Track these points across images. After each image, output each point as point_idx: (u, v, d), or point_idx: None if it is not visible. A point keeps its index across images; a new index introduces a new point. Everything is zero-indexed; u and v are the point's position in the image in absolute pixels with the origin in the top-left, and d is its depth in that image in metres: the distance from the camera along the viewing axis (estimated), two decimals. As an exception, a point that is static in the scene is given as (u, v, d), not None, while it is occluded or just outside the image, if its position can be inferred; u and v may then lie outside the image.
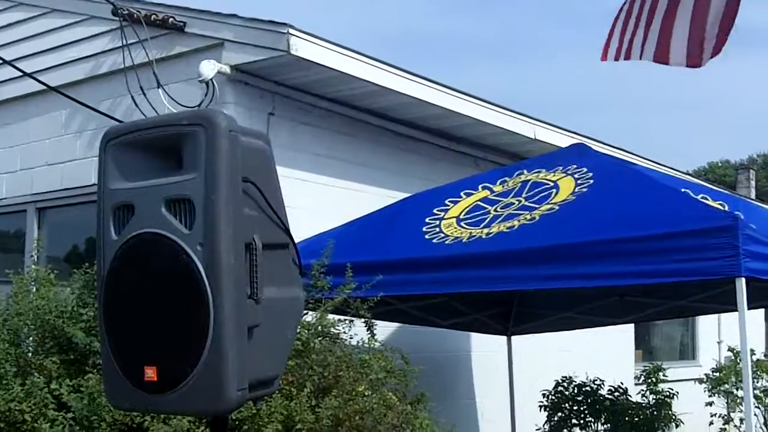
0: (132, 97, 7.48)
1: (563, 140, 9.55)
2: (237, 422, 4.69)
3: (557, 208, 5.90)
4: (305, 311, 5.31)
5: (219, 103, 7.10)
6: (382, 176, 8.70)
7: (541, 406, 9.12)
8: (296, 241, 2.80)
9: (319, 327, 5.32)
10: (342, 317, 5.74)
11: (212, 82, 7.13)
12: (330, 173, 8.19)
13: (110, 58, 8.04)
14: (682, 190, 6.35)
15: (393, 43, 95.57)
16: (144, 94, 7.43)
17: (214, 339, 2.42)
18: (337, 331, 5.45)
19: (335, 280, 5.80)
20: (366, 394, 4.94)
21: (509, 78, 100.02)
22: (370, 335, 5.61)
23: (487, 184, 6.87)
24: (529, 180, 6.54)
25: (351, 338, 5.58)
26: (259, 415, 4.71)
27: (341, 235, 6.70)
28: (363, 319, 5.64)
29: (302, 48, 7.11)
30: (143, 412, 4.45)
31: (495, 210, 6.30)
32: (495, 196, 6.61)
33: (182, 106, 7.07)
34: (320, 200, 7.94)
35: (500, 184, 6.79)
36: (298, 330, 5.11)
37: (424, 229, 6.39)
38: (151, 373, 2.52)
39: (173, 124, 2.60)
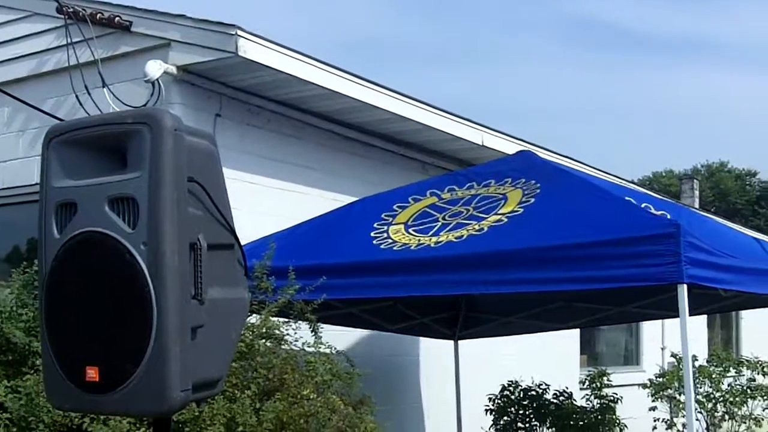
0: (76, 97, 7.38)
1: (510, 147, 9.61)
2: (179, 424, 4.65)
3: (506, 219, 5.94)
4: (249, 313, 5.27)
5: (165, 104, 7.04)
6: (329, 180, 8.69)
7: (487, 410, 9.17)
8: (242, 243, 2.78)
9: (264, 329, 5.28)
10: (287, 320, 5.71)
11: (158, 83, 7.07)
12: (277, 176, 8.15)
13: (54, 57, 7.94)
14: (626, 198, 6.43)
15: (352, 47, 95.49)
16: (89, 94, 7.33)
17: (157, 339, 2.40)
18: (282, 334, 5.41)
19: (281, 282, 5.76)
20: (311, 397, 4.92)
21: (464, 84, 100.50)
22: (315, 338, 5.58)
23: (436, 191, 6.89)
24: (479, 194, 6.58)
25: (296, 341, 5.56)
26: (202, 418, 4.67)
27: (288, 238, 6.68)
28: (308, 322, 5.61)
29: (250, 50, 7.08)
30: (85, 413, 4.39)
31: (443, 218, 6.32)
32: (443, 203, 6.63)
33: (128, 106, 6.99)
34: (267, 203, 7.90)
35: (448, 191, 6.81)
36: (242, 332, 5.10)
37: (372, 234, 6.39)
38: (93, 373, 2.49)
39: (118, 122, 2.58)
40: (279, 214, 7.67)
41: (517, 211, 6.04)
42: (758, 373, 13.69)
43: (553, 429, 8.97)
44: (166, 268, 2.41)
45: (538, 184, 6.36)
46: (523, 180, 6.51)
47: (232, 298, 2.70)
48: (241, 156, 7.67)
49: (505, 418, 9.12)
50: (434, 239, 6.01)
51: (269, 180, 8.07)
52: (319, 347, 5.55)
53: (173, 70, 7.19)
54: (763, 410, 13.87)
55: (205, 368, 2.56)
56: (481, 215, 6.14)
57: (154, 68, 7.03)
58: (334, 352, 5.59)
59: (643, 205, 6.24)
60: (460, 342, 9.74)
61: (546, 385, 9.28)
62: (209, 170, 2.64)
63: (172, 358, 2.40)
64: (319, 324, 5.66)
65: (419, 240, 6.06)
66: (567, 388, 9.44)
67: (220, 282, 2.61)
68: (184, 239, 2.46)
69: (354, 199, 7.92)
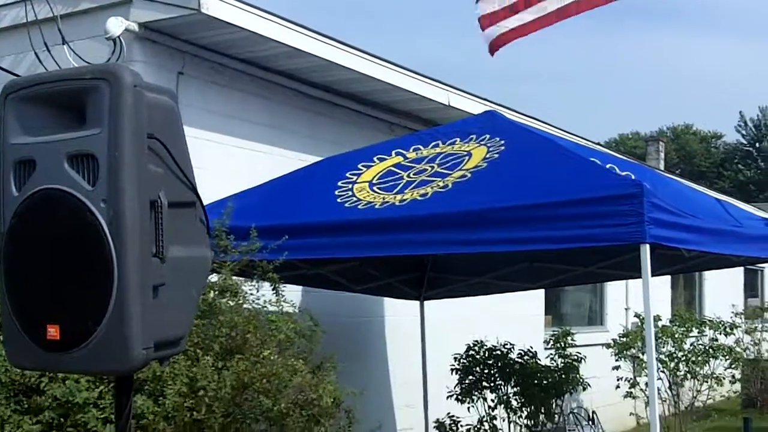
0: (35, 54, 7.25)
1: (477, 107, 9.60)
2: (140, 383, 4.63)
3: (469, 175, 5.93)
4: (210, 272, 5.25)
5: (126, 61, 6.93)
6: (294, 139, 8.63)
7: (452, 370, 9.22)
8: (205, 203, 2.76)
9: (226, 288, 5.24)
10: (249, 279, 5.67)
11: (120, 40, 6.96)
12: (241, 135, 8.08)
13: (12, 12, 7.77)
14: (591, 158, 6.44)
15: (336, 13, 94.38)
16: (48, 51, 7.20)
17: (118, 297, 2.38)
18: (244, 292, 5.37)
19: (243, 242, 5.71)
20: (273, 357, 4.91)
21: (431, 42, 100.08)
22: (276, 297, 5.54)
23: (401, 150, 6.87)
24: (443, 151, 6.56)
25: (258, 299, 5.53)
26: (163, 377, 4.65)
27: (251, 198, 6.64)
28: (270, 282, 5.57)
29: (213, 7, 6.98)
30: (45, 371, 4.36)
31: (408, 176, 6.31)
32: (408, 162, 6.61)
33: (88, 63, 6.88)
34: (230, 162, 7.84)
35: (414, 151, 6.79)
36: (207, 291, 5.08)
37: (336, 192, 6.37)
38: (53, 331, 2.48)
39: (76, 78, 2.54)
40: (242, 173, 7.62)
41: (482, 166, 6.03)
42: (720, 333, 13.88)
43: (518, 388, 9.04)
44: (127, 226, 2.39)
45: (503, 142, 6.36)
46: (488, 137, 6.51)
47: (194, 256, 2.68)
48: (204, 115, 7.58)
49: (470, 377, 9.17)
50: (399, 197, 6.00)
51: (233, 139, 7.99)
52: (282, 306, 5.52)
53: (135, 27, 7.08)
54: (725, 369, 14.08)
55: (167, 327, 2.54)
56: (445, 172, 6.13)
57: (115, 25, 6.92)
58: (296, 311, 5.57)
59: (607, 166, 6.26)
60: (425, 302, 9.78)
61: (511, 344, 9.34)
62: (170, 127, 2.60)
63: (133, 316, 2.38)
64: (282, 284, 5.63)
65: (384, 198, 6.04)
66: (531, 347, 9.51)
67: (182, 240, 2.59)
68: (144, 197, 2.44)
69: (318, 158, 7.88)
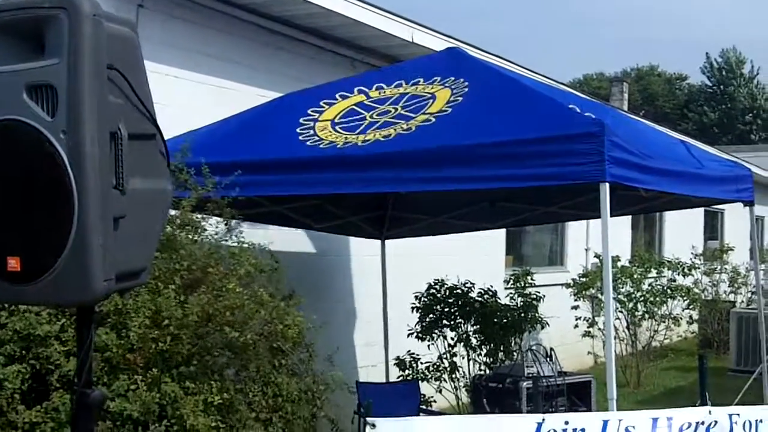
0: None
1: (441, 45, 9.54)
2: (103, 316, 4.63)
3: (434, 119, 5.93)
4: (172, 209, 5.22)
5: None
6: (255, 75, 8.56)
7: (413, 308, 9.29)
8: (166, 138, 2.75)
9: (185, 223, 5.23)
10: (207, 216, 5.63)
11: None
12: (202, 70, 7.99)
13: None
14: (553, 98, 6.46)
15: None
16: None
17: (79, 229, 2.38)
18: (203, 227, 5.35)
19: (202, 178, 5.67)
20: (237, 290, 4.93)
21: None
22: (229, 233, 5.50)
23: (363, 88, 6.83)
24: (407, 93, 6.54)
25: (216, 234, 5.51)
26: (126, 310, 4.66)
27: (211, 134, 6.60)
28: (227, 218, 5.54)
29: (173, -61, 6.88)
30: (6, 303, 4.35)
31: (371, 116, 6.29)
32: (371, 102, 6.58)
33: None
34: (192, 98, 7.76)
35: (377, 89, 6.76)
36: (167, 226, 5.07)
37: (298, 130, 6.34)
38: (14, 263, 2.47)
39: (35, 7, 2.50)
40: (203, 109, 7.56)
41: (446, 110, 6.03)
42: (678, 274, 14.09)
43: (478, 326, 9.14)
44: (87, 157, 2.38)
45: (467, 83, 6.34)
46: (452, 78, 6.49)
47: (155, 188, 2.68)
48: (164, 49, 7.48)
49: (431, 315, 9.25)
50: (361, 137, 5.98)
51: (195, 74, 7.91)
52: (242, 244, 5.52)
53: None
54: (683, 310, 14.32)
55: (129, 258, 2.55)
56: (409, 114, 6.12)
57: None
58: (257, 247, 5.55)
59: (570, 106, 6.28)
60: (387, 241, 9.82)
61: (471, 284, 9.42)
62: (129, 58, 2.59)
63: (94, 247, 2.39)
64: (240, 221, 5.60)
65: (346, 138, 6.03)
66: (492, 287, 9.59)
67: (142, 172, 2.59)
68: (104, 128, 2.43)
69: (280, 95, 7.83)
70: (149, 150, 2.67)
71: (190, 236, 5.22)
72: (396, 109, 6.27)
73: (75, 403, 2.60)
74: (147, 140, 2.65)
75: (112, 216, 2.44)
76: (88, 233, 2.38)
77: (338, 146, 5.97)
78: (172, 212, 5.25)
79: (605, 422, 4.68)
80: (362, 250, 10.02)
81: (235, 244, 5.51)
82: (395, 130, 5.92)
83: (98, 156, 2.40)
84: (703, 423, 4.85)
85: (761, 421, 5.11)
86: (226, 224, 5.52)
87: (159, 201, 2.73)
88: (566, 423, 4.59)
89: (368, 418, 4.21)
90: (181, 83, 7.70)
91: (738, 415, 5.05)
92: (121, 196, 2.47)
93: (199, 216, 5.47)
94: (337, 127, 6.26)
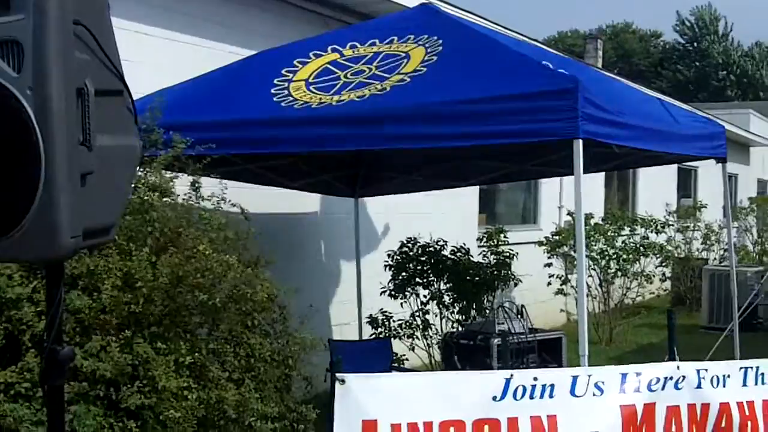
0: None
1: (414, 1, 9.49)
2: (74, 278, 4.62)
3: (408, 79, 5.92)
4: (140, 168, 5.19)
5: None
6: (226, 32, 8.49)
7: (386, 266, 9.32)
8: (135, 97, 2.73)
9: (158, 182, 5.20)
10: (177, 175, 5.60)
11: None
12: (172, 27, 7.92)
13: None
14: (527, 55, 6.45)
15: None
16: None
17: (46, 185, 2.36)
18: (172, 186, 5.31)
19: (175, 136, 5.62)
20: (206, 253, 4.92)
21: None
22: (197, 192, 5.46)
23: (337, 47, 6.80)
24: (381, 51, 6.51)
25: (187, 195, 5.48)
26: (97, 271, 4.65)
27: (183, 92, 6.57)
28: (191, 175, 5.50)
29: None
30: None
31: (345, 76, 6.27)
32: (345, 60, 6.56)
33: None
34: (161, 55, 7.71)
35: (350, 48, 6.73)
36: (135, 186, 5.05)
37: (272, 90, 6.31)
38: (-20, 220, 2.46)
39: (-2, -39, 2.46)
40: (173, 67, 7.51)
41: (420, 70, 6.02)
42: (651, 231, 14.19)
43: (450, 284, 9.19)
44: (53, 113, 2.36)
45: (440, 41, 6.33)
46: (426, 36, 6.46)
47: (122, 145, 2.66)
48: (133, 6, 7.37)
49: (404, 273, 9.28)
50: (336, 98, 5.97)
51: (164, 31, 7.83)
52: (215, 205, 5.49)
53: None
54: (656, 267, 14.44)
55: (96, 215, 2.53)
56: (383, 75, 6.11)
57: None
58: (229, 206, 5.52)
59: (543, 63, 6.28)
60: (360, 199, 9.83)
61: (444, 241, 9.46)
62: (96, 14, 2.55)
63: (61, 203, 2.37)
64: (215, 178, 5.56)
65: (320, 99, 6.02)
66: (464, 244, 9.63)
67: (110, 129, 2.56)
68: (70, 84, 2.40)
69: (251, 53, 7.79)
70: (116, 106, 2.64)
71: (162, 197, 5.19)
72: (370, 69, 6.26)
73: (44, 360, 2.60)
74: (114, 96, 2.63)
75: (79, 172, 2.42)
76: (55, 190, 2.36)
77: (312, 107, 5.96)
78: (146, 171, 5.22)
79: (574, 378, 4.74)
80: (336, 208, 10.03)
81: (208, 205, 5.48)
82: (369, 90, 5.92)
83: (65, 112, 2.38)
84: (671, 378, 4.92)
85: (729, 376, 5.18)
86: (193, 184, 5.47)
87: (127, 157, 2.71)
88: (535, 379, 4.64)
89: (337, 374, 4.24)
90: (149, 40, 7.62)
91: (706, 370, 5.12)
92: (88, 152, 2.45)
93: (171, 174, 5.43)
94: (311, 87, 6.24)
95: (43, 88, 2.36)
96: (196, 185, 5.47)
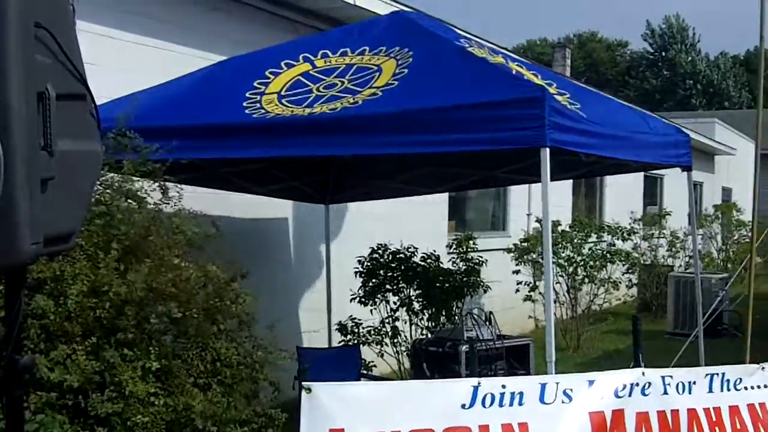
0: None
1: (383, 8, 9.50)
2: (39, 282, 4.56)
3: (380, 93, 5.92)
4: (109, 174, 5.13)
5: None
6: (194, 36, 8.43)
7: (356, 272, 9.29)
8: (102, 101, 2.70)
9: (125, 188, 5.13)
10: (146, 181, 5.52)
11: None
12: (137, 30, 7.85)
13: None
14: (496, 63, 6.46)
15: None
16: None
17: (5, 191, 2.31)
18: (137, 189, 5.24)
19: (144, 142, 5.56)
20: (183, 265, 4.87)
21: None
22: (164, 196, 5.39)
23: (308, 56, 6.77)
24: (353, 64, 6.50)
25: (153, 200, 5.40)
26: (64, 277, 4.59)
27: (153, 98, 6.50)
28: (157, 182, 5.43)
29: None
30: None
31: (318, 90, 6.25)
32: (317, 72, 6.54)
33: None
34: (126, 59, 7.64)
35: (322, 57, 6.71)
36: (104, 192, 4.99)
37: (244, 104, 6.27)
38: (-61, 227, 2.41)
39: (-43, -39, 2.42)
40: (138, 71, 7.45)
41: (392, 83, 6.01)
42: (618, 239, 14.28)
43: (420, 291, 9.17)
44: (14, 117, 2.31)
45: (411, 52, 6.33)
46: (398, 48, 6.47)
47: (84, 150, 2.62)
48: (98, 9, 7.30)
49: (374, 280, 9.26)
50: (308, 110, 5.96)
51: (127, 35, 7.76)
52: (184, 211, 5.42)
53: None
54: (622, 274, 14.51)
55: (57, 221, 2.49)
56: (356, 88, 6.10)
57: None
58: (189, 213, 5.44)
59: (514, 72, 6.30)
60: (330, 206, 9.81)
61: (414, 248, 9.45)
62: (59, 16, 2.52)
63: (21, 210, 2.33)
64: (167, 185, 5.50)
65: (293, 111, 5.99)
66: (434, 251, 9.63)
67: (72, 134, 2.52)
68: (31, 88, 2.36)
69: (219, 57, 7.74)
70: (79, 110, 2.60)
71: (129, 202, 5.12)
72: (343, 83, 6.25)
73: (4, 369, 2.55)
74: (77, 101, 2.59)
75: (39, 178, 2.38)
76: (15, 195, 2.31)
77: (285, 117, 5.95)
78: (113, 177, 5.16)
79: (543, 385, 4.73)
80: (306, 215, 9.99)
81: (176, 210, 5.41)
82: (342, 103, 5.91)
83: (25, 116, 2.34)
84: (637, 384, 4.92)
85: (694, 382, 5.19)
86: (161, 187, 5.40)
87: (89, 163, 2.67)
88: (503, 387, 4.63)
89: (304, 383, 4.21)
90: (114, 44, 7.56)
91: (671, 377, 5.13)
92: (49, 157, 2.41)
93: (139, 180, 5.37)
94: (283, 100, 6.22)
95: (2, 92, 2.31)
96: (161, 187, 5.40)
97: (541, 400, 4.71)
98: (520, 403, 4.66)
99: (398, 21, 7.21)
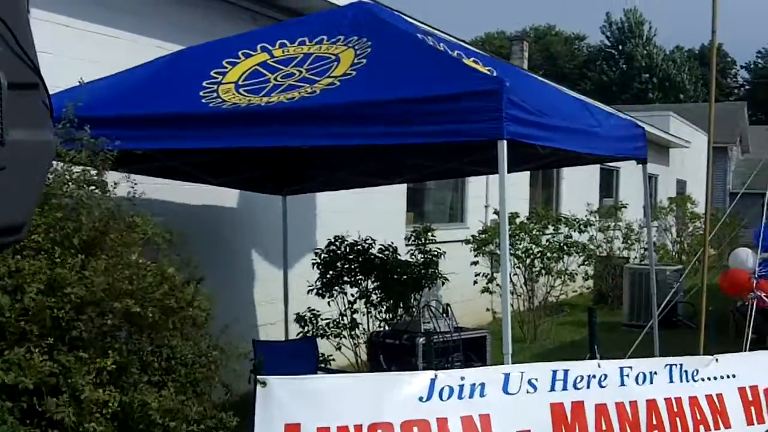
0: None
1: None
2: (-4, 277, 4.46)
3: (338, 83, 5.89)
4: (62, 164, 5.05)
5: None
6: (149, 25, 8.33)
7: (314, 264, 9.26)
8: (54, 91, 2.64)
9: (81, 179, 5.05)
10: (99, 172, 5.44)
11: None
12: (92, 19, 7.72)
13: None
14: (454, 56, 6.46)
15: None
16: None
17: (-46, 182, 2.27)
18: (96, 179, 5.16)
19: (96, 132, 5.47)
20: (140, 262, 4.80)
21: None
22: (106, 192, 5.30)
23: (266, 45, 6.71)
24: (311, 53, 6.46)
25: (108, 193, 5.31)
26: (22, 274, 4.48)
27: (108, 88, 6.42)
28: (106, 172, 5.34)
29: None
30: None
31: (275, 79, 6.21)
32: (274, 62, 6.49)
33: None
34: (80, 48, 7.51)
35: (280, 47, 6.66)
36: (60, 182, 4.91)
37: (201, 93, 6.21)
38: None
39: None
40: (92, 60, 7.34)
41: (350, 73, 5.99)
42: (575, 231, 14.36)
43: (378, 283, 9.16)
44: (-37, 107, 2.27)
45: (370, 42, 6.31)
46: (356, 38, 6.44)
47: (37, 140, 2.57)
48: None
49: (332, 272, 9.23)
50: (265, 99, 5.91)
51: (82, 23, 7.62)
52: (140, 211, 5.34)
53: None
54: (578, 266, 14.61)
55: (8, 213, 2.44)
56: (313, 78, 6.07)
57: None
58: (154, 213, 5.37)
59: (471, 64, 6.29)
60: (288, 197, 9.76)
61: (372, 240, 9.43)
62: (10, 4, 2.46)
63: (-30, 201, 2.28)
64: (127, 175, 5.42)
65: (250, 100, 5.94)
66: (392, 243, 9.62)
67: (24, 123, 2.47)
68: (-19, 76, 2.31)
69: (175, 47, 7.65)
70: (31, 100, 2.55)
71: (92, 188, 5.03)
72: (300, 72, 6.21)
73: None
74: (29, 90, 2.53)
75: (-10, 168, 2.34)
76: (-35, 187, 2.27)
77: (241, 107, 5.89)
78: (65, 167, 5.07)
79: (506, 375, 4.74)
80: (263, 206, 9.93)
81: (132, 204, 5.31)
82: (299, 93, 5.88)
83: (-24, 105, 2.29)
84: (594, 376, 4.96)
85: (655, 373, 5.24)
86: (113, 184, 5.32)
87: (41, 153, 2.62)
88: (462, 379, 4.64)
89: (259, 377, 4.16)
90: (71, 32, 7.44)
91: (630, 368, 5.17)
92: (0, 147, 2.36)
93: (93, 171, 5.28)
94: (240, 90, 6.16)
95: (-48, 81, 2.27)
96: (125, 182, 5.33)
97: (505, 390, 4.72)
98: (482, 395, 4.67)
99: (358, 11, 7.17)
